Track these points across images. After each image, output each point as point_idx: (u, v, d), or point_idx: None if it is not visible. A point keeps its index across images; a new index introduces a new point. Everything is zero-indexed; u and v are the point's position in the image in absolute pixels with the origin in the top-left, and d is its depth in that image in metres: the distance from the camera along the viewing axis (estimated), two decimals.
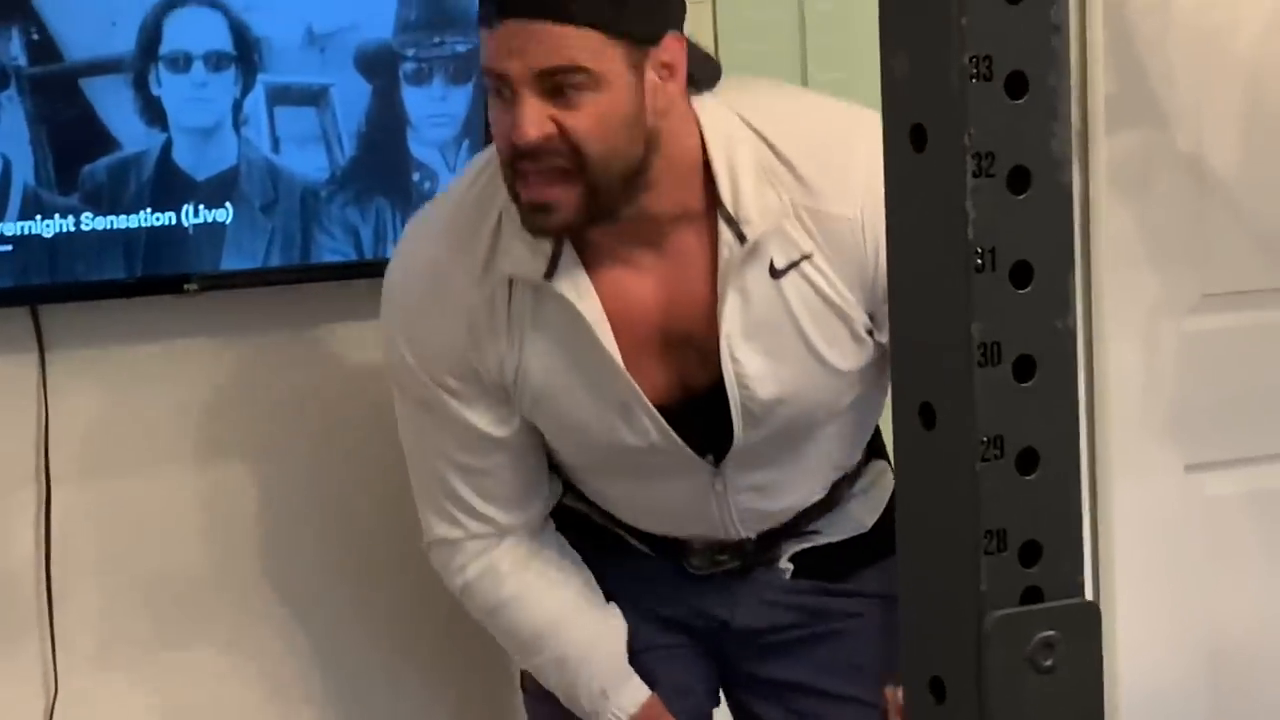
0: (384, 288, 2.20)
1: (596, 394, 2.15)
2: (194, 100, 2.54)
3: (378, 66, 2.63)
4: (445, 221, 2.16)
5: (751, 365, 2.13)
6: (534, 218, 2.03)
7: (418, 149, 2.65)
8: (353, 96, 2.62)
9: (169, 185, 2.52)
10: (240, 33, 2.55)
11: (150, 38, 2.50)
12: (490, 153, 2.11)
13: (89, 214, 2.48)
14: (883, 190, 0.87)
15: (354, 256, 2.62)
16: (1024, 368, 0.80)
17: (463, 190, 2.15)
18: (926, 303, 0.80)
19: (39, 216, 2.46)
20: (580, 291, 2.09)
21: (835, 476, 2.30)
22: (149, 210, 2.51)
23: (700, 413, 2.17)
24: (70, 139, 2.47)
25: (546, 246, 2.08)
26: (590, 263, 2.11)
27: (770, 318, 2.12)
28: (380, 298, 2.19)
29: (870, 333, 2.15)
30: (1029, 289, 0.79)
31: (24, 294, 2.50)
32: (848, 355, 2.15)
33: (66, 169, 2.46)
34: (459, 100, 2.67)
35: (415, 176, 2.66)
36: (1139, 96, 3.00)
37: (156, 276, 2.54)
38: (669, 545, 2.31)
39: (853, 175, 2.08)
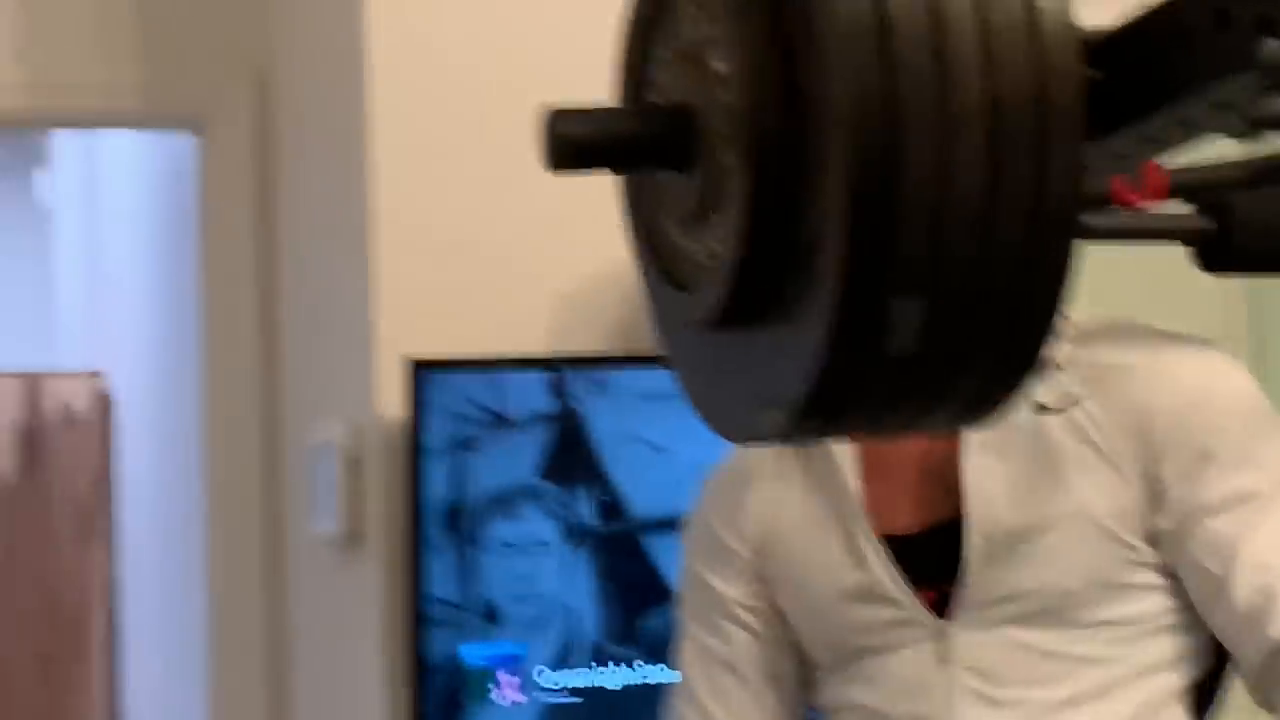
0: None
1: (824, 526, 2.09)
2: None
3: None
4: None
5: (994, 483, 2.04)
6: None
7: None
8: None
9: None
10: None
11: None
12: None
13: (649, 664, 2.56)
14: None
15: None
16: None
17: None
18: None
19: (604, 667, 2.54)
20: None
21: None
22: None
23: (936, 545, 2.06)
24: (632, 592, 2.57)
25: None
26: None
27: (1026, 446, 2.03)
28: None
29: (1151, 534, 2.01)
30: None
31: None
32: (1113, 507, 2.02)
33: (627, 621, 2.56)
34: None
35: None
36: None
37: None
38: None
39: (1136, 345, 2.07)
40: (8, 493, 5.85)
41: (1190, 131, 1.24)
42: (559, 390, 2.57)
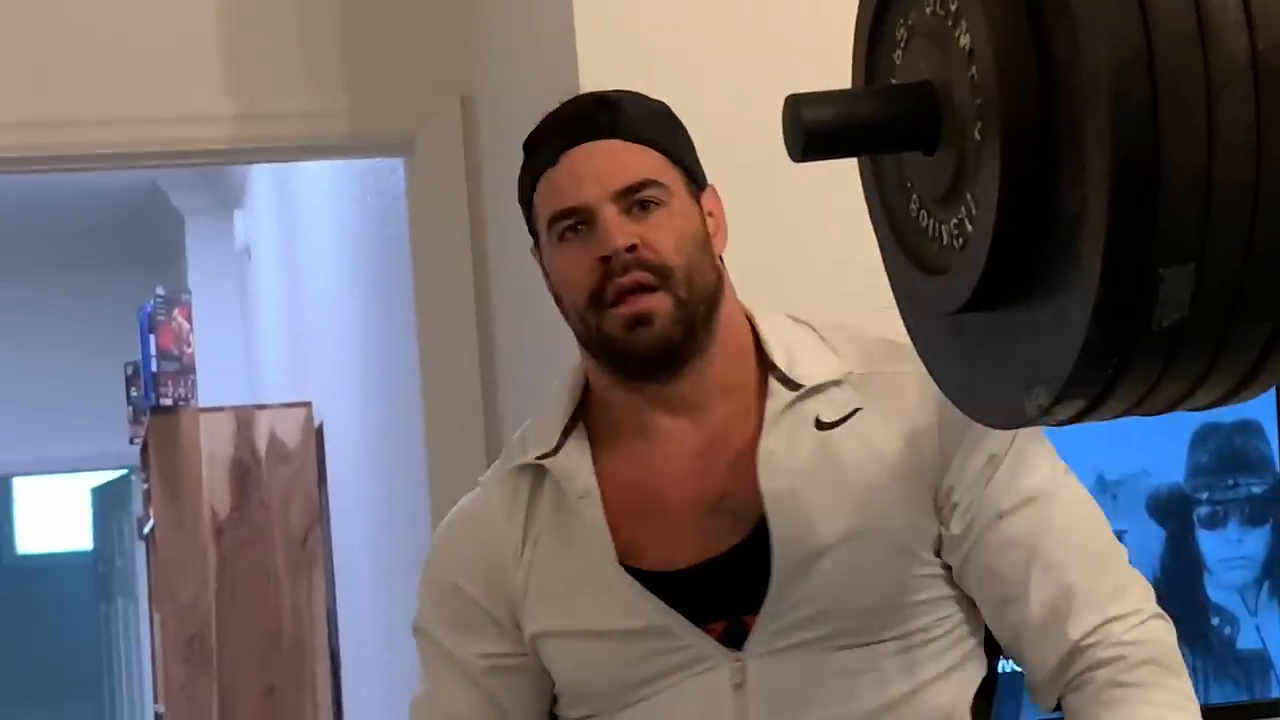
0: (435, 537, 2.21)
1: (587, 574, 2.02)
2: None
3: (1170, 510, 2.66)
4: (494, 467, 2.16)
5: (793, 503, 1.97)
6: (636, 334, 1.97)
7: (1215, 593, 2.66)
8: (1146, 541, 2.65)
9: None
10: None
11: None
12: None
13: None
14: None
15: None
16: None
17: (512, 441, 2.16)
18: None
19: None
20: (575, 465, 2.03)
21: None
22: None
23: (721, 576, 1.99)
24: None
25: (555, 431, 2.03)
26: (606, 441, 2.05)
27: (816, 465, 1.98)
28: None
29: (939, 544, 1.99)
30: None
31: None
32: (906, 520, 1.99)
33: None
34: (1256, 542, 2.67)
35: (1214, 621, 2.65)
36: None
37: None
38: None
39: (906, 356, 1.85)
40: (224, 526, 5.95)
41: None
42: None
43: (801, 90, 1.25)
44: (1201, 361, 1.15)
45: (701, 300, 1.99)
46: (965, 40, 1.17)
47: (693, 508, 2.02)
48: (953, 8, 1.18)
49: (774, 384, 2.01)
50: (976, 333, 1.25)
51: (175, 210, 7.86)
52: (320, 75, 3.40)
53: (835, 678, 1.98)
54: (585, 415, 2.08)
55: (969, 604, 2.03)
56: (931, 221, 1.25)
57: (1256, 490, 2.66)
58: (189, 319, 6.41)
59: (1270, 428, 2.63)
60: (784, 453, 1.98)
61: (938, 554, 2.01)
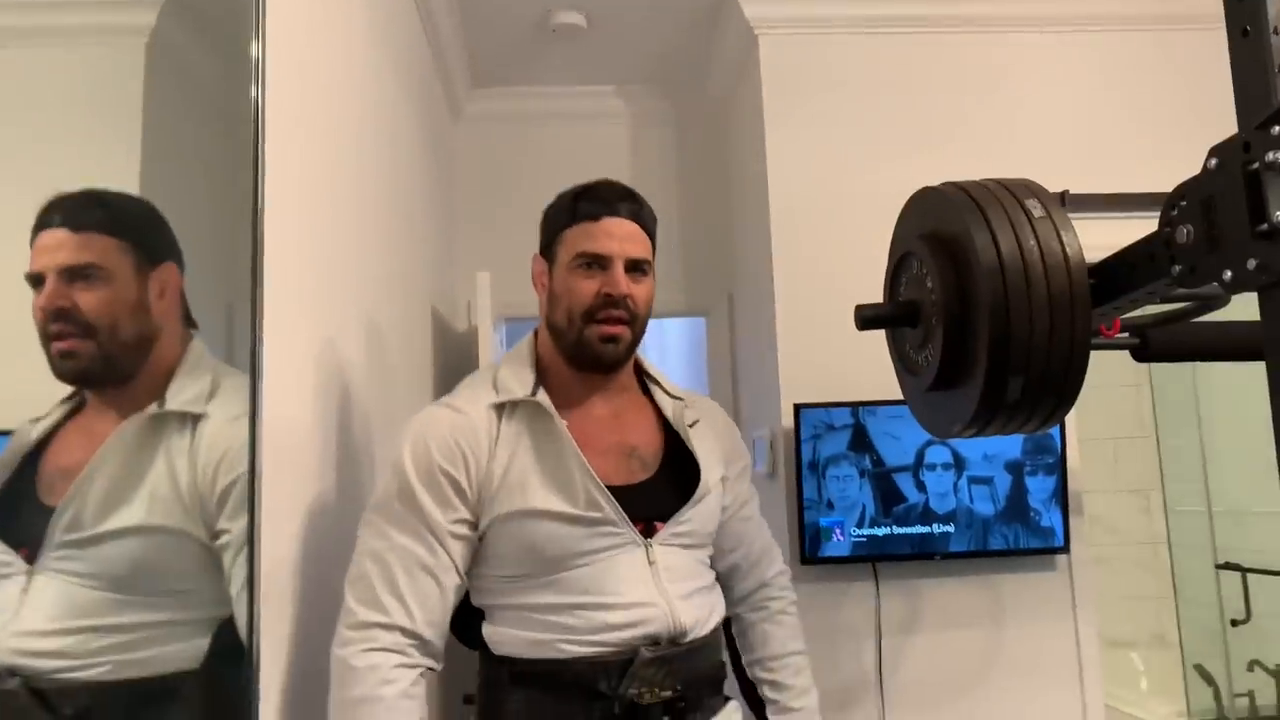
0: (412, 430, 2.63)
1: (561, 478, 2.59)
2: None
3: (1012, 468, 4.44)
4: (456, 396, 2.71)
5: (705, 459, 2.74)
6: (606, 348, 2.65)
7: (1032, 501, 4.52)
8: (1003, 481, 4.40)
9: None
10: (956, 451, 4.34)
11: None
12: (475, 375, 2.76)
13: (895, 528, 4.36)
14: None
15: None
16: None
17: (462, 386, 2.73)
18: None
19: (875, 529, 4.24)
20: (548, 405, 2.65)
21: (709, 617, 2.71)
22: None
23: (641, 495, 2.65)
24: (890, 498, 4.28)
25: (529, 381, 2.67)
26: (558, 399, 2.71)
27: (700, 439, 2.78)
28: None
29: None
30: None
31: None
32: (720, 486, 2.80)
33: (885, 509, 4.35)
34: (1047, 483, 4.50)
35: (1031, 514, 4.50)
36: None
37: None
38: (618, 671, 2.58)
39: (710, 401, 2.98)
40: None
41: (1136, 305, 2.29)
42: None
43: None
44: (1026, 415, 2.28)
45: (639, 339, 2.69)
46: (931, 283, 2.33)
47: (615, 451, 2.69)
48: (925, 271, 2.38)
49: (660, 395, 2.79)
50: (935, 400, 2.37)
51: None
52: None
53: (693, 564, 2.72)
54: (541, 377, 2.72)
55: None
56: (916, 354, 2.41)
57: (1050, 460, 4.40)
58: None
59: (1055, 435, 4.44)
60: (699, 435, 2.78)
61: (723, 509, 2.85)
